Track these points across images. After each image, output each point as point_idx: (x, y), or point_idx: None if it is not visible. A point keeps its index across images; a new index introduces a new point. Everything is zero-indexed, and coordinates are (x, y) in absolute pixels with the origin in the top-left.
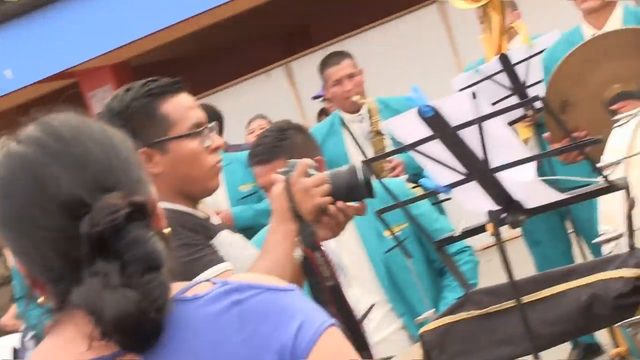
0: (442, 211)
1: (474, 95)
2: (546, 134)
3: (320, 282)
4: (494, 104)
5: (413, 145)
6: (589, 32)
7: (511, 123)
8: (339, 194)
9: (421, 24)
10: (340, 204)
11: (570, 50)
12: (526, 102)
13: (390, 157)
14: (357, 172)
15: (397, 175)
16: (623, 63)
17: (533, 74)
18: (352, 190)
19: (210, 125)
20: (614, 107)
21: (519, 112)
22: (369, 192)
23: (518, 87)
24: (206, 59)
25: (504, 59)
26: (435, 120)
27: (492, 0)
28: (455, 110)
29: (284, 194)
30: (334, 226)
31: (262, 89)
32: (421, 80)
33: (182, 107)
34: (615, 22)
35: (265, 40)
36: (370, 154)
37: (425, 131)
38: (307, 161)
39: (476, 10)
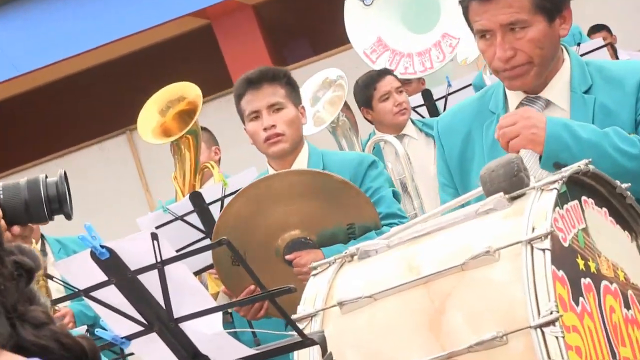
0: None
1: (155, 236)
2: (222, 288)
3: None
4: (185, 247)
5: (87, 291)
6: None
7: (199, 272)
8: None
9: (109, 155)
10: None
11: (239, 190)
12: (211, 245)
13: (59, 305)
14: (40, 184)
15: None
16: (296, 207)
17: None
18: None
19: None
20: (289, 257)
21: (209, 260)
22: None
23: (212, 230)
24: None
25: (195, 198)
26: (111, 263)
27: (184, 136)
28: (136, 253)
29: None
30: None
31: None
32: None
33: None
34: (300, 163)
35: None
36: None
37: (101, 275)
38: None
39: (170, 145)
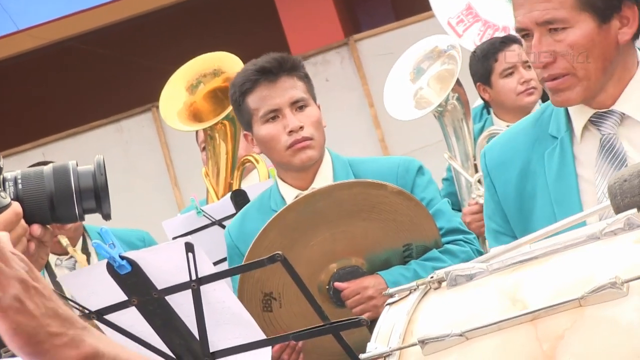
0: None
1: (190, 247)
2: None
3: None
4: (221, 261)
5: (100, 313)
6: (289, 192)
7: None
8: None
9: (129, 137)
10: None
11: (269, 221)
12: (261, 262)
13: None
14: (70, 173)
15: None
16: (342, 230)
17: None
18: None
19: None
20: (338, 284)
21: None
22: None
23: None
24: None
25: (238, 197)
26: (133, 279)
27: (220, 122)
28: (164, 267)
29: None
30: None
31: None
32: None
33: None
34: (324, 176)
35: None
36: None
37: (120, 294)
38: None
39: (198, 134)
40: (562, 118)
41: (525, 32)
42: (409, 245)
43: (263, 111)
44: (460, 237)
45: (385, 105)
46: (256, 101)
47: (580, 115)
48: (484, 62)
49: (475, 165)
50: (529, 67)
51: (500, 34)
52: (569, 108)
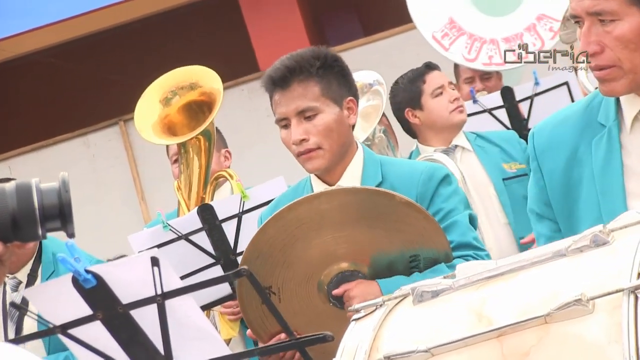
0: None
1: (155, 261)
2: (248, 331)
3: None
4: (190, 275)
5: (64, 328)
6: (319, 186)
7: (209, 306)
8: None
9: (95, 151)
10: None
11: (275, 213)
12: (226, 277)
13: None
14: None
15: None
16: (346, 234)
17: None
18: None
19: None
20: (336, 291)
21: (223, 291)
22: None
23: (225, 254)
24: None
25: (205, 212)
26: (98, 293)
27: (195, 137)
28: (129, 281)
29: None
30: None
31: None
32: (95, 235)
33: None
34: (352, 173)
35: None
36: None
37: (85, 308)
38: None
39: (169, 147)
40: (611, 106)
41: (577, 19)
42: (416, 256)
43: (276, 117)
44: (471, 252)
45: None
46: (273, 106)
47: (631, 105)
48: (411, 87)
49: None
50: (453, 89)
51: (488, 46)
52: (620, 97)
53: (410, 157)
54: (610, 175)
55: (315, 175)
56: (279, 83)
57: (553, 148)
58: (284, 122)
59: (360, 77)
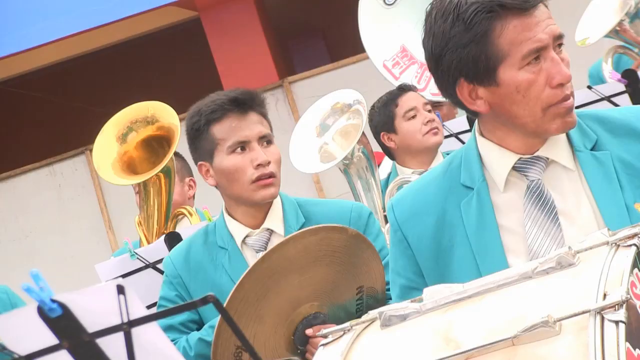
0: None
1: (121, 289)
2: None
3: None
4: (155, 304)
5: (30, 357)
6: (239, 230)
7: None
8: None
9: (62, 181)
10: None
11: (247, 269)
12: (193, 303)
13: None
14: None
15: None
16: (309, 275)
17: None
18: None
19: None
20: (309, 331)
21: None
22: None
23: None
24: None
25: (172, 240)
26: (64, 323)
27: (155, 175)
28: (95, 310)
29: None
30: None
31: None
32: (63, 264)
33: None
34: (275, 216)
35: None
36: None
37: (51, 337)
38: None
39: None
40: (475, 167)
41: (538, 54)
42: (361, 287)
43: (231, 142)
44: None
45: (291, 158)
46: (224, 131)
47: (503, 162)
48: (385, 110)
49: (385, 217)
50: (430, 110)
51: None
52: (485, 158)
53: (388, 178)
54: (487, 234)
55: (233, 215)
56: (239, 105)
57: (417, 215)
58: (241, 145)
59: (340, 98)
